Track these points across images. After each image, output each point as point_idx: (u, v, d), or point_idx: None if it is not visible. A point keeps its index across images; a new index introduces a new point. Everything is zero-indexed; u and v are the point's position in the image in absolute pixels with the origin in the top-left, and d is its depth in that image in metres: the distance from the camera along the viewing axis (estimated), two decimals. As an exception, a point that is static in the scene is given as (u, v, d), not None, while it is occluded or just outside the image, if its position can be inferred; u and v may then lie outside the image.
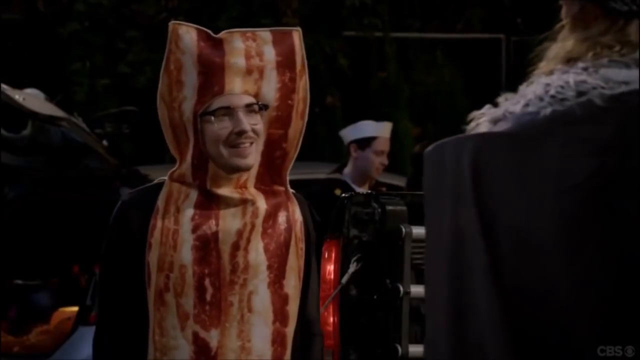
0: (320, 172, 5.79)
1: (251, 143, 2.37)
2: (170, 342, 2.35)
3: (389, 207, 3.54)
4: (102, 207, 5.24)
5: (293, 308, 2.43)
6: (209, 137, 2.36)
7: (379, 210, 3.54)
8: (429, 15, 11.00)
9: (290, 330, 2.43)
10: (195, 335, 2.34)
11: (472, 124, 1.63)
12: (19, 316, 5.51)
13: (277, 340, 2.40)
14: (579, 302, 1.45)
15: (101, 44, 9.65)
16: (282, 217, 2.44)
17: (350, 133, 5.64)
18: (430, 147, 1.66)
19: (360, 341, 3.53)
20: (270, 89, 2.40)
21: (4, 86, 4.53)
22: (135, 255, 2.39)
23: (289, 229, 2.44)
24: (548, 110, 1.51)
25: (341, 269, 3.51)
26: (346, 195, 3.66)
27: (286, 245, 2.42)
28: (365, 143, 5.50)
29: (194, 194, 2.40)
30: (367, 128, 5.64)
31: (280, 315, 2.40)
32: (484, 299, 1.49)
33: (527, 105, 1.55)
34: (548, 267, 1.47)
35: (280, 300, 2.40)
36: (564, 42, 1.62)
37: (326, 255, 3.49)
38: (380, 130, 5.63)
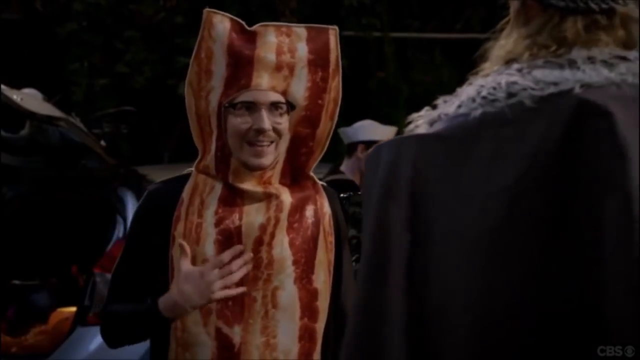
0: (318, 172, 5.76)
1: (270, 143, 2.32)
2: (193, 338, 2.31)
3: (388, 207, 3.53)
4: (100, 207, 5.25)
5: (323, 303, 2.38)
6: (231, 129, 2.31)
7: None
8: (428, 15, 11.01)
9: (320, 325, 2.37)
10: (218, 331, 2.30)
11: (411, 126, 1.62)
12: (17, 316, 5.50)
13: (305, 336, 2.35)
14: (503, 308, 1.44)
15: (99, 43, 9.66)
16: (309, 211, 2.39)
17: (360, 133, 5.56)
18: (371, 149, 1.67)
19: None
20: (300, 88, 2.34)
21: (2, 86, 4.52)
22: (158, 247, 2.34)
23: (317, 222, 2.39)
24: (478, 112, 1.50)
25: (340, 269, 3.50)
26: (344, 195, 3.65)
27: (314, 239, 2.37)
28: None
29: (218, 187, 2.35)
30: (378, 131, 5.57)
31: (308, 311, 2.35)
32: (397, 296, 1.48)
33: (459, 106, 1.55)
34: (473, 270, 1.45)
35: (308, 296, 2.35)
36: (506, 41, 1.62)
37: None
38: (389, 134, 5.58)
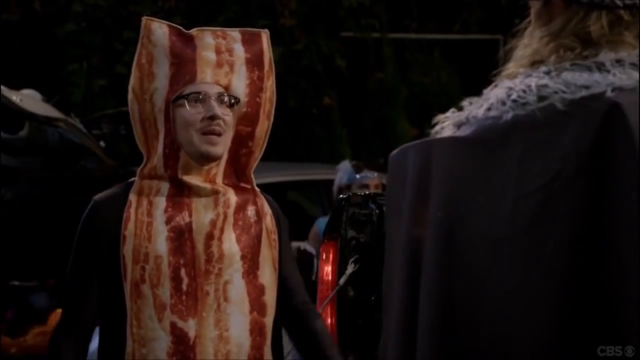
0: (316, 173, 5.73)
1: (220, 134, 2.39)
2: (148, 334, 2.35)
3: (387, 208, 3.53)
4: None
5: (270, 298, 2.45)
6: (181, 122, 2.38)
7: (377, 211, 3.54)
8: (426, 16, 11.01)
9: (269, 320, 2.44)
10: (173, 325, 2.35)
11: (437, 127, 1.63)
12: (16, 317, 5.50)
13: (255, 329, 2.41)
14: (534, 308, 1.45)
15: (98, 44, 9.65)
16: (250, 211, 2.46)
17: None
18: (395, 151, 1.67)
19: (357, 342, 3.53)
20: (241, 84, 2.44)
21: (2, 87, 4.53)
22: (109, 250, 2.39)
23: (259, 221, 2.46)
24: (509, 115, 1.51)
25: (339, 270, 3.51)
26: (344, 196, 3.66)
27: (257, 237, 2.45)
28: None
29: (165, 188, 2.41)
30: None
31: (257, 305, 2.42)
32: (434, 297, 1.51)
33: (489, 109, 1.55)
34: (504, 273, 1.47)
35: (255, 291, 2.42)
36: (530, 41, 1.62)
37: (324, 257, 3.49)
38: None
